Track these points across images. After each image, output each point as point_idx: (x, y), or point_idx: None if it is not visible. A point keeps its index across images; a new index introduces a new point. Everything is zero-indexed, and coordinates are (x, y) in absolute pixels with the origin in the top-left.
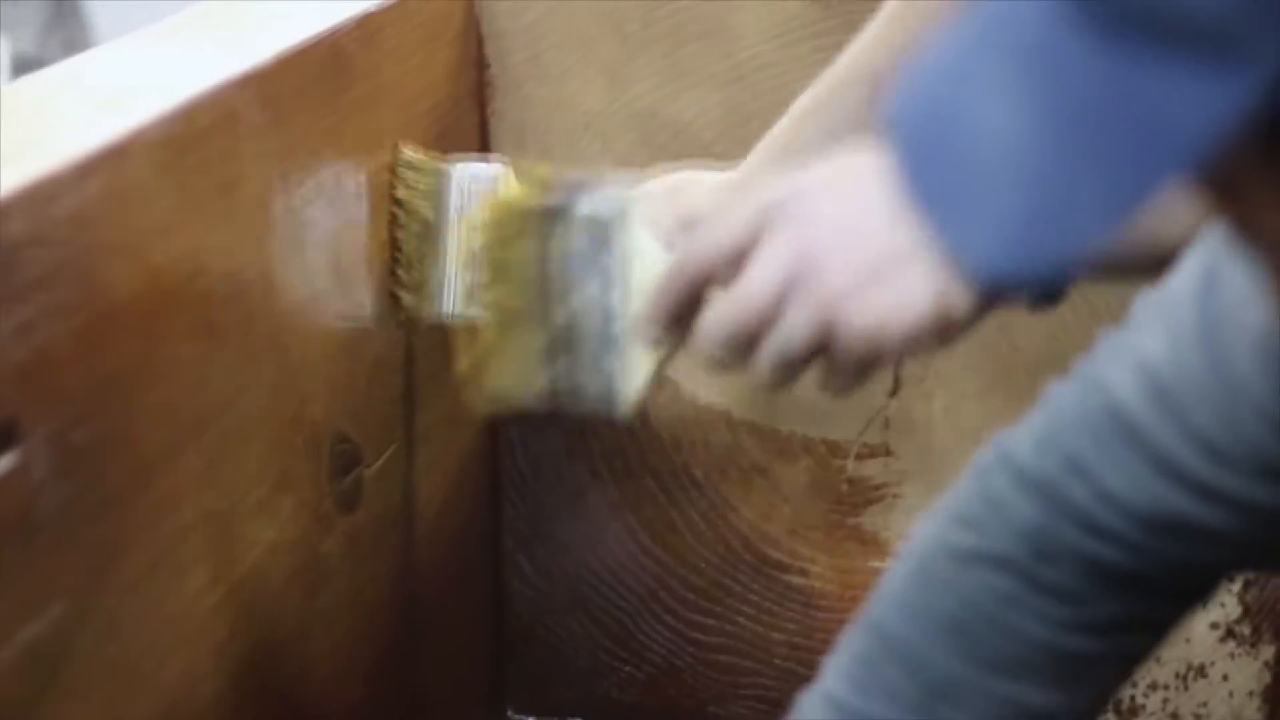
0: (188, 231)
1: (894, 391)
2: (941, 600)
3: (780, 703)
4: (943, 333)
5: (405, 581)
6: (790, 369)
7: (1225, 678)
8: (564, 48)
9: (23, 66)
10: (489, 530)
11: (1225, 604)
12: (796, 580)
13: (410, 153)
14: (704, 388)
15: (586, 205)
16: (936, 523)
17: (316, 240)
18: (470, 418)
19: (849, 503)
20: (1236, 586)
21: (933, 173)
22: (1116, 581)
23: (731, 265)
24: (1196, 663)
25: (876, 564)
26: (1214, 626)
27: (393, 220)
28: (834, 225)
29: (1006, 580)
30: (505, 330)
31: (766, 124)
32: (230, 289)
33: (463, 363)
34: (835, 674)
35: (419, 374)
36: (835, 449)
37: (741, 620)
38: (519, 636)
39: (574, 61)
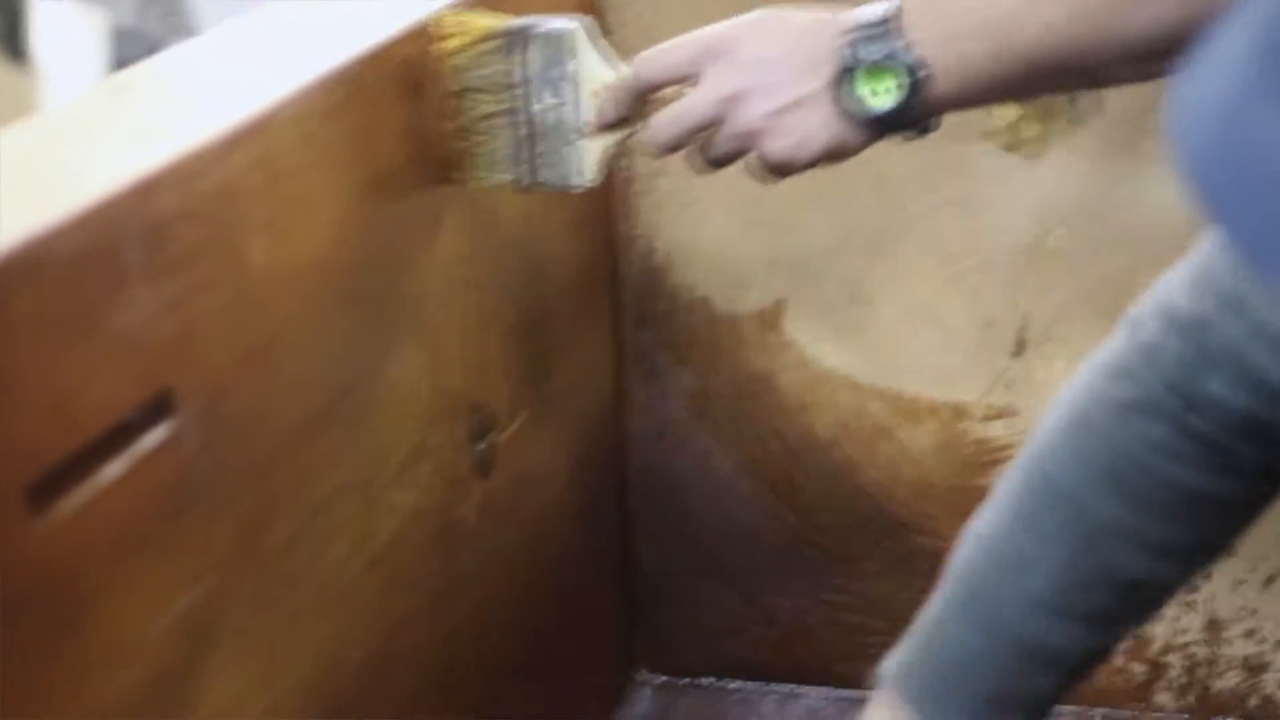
0: (329, 203)
1: (1017, 353)
2: (1099, 449)
3: None
4: (836, 159)
5: (539, 544)
6: (714, 168)
7: None
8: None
9: (121, 39)
10: (617, 493)
11: None
12: (923, 541)
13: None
14: (829, 351)
15: (543, 28)
16: (1091, 374)
17: (450, 209)
18: (597, 383)
19: (974, 463)
20: None
21: (1246, 217)
22: (1261, 429)
23: (672, 84)
24: None
25: None
26: None
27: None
28: (757, 71)
29: (1159, 428)
30: (486, 131)
31: None
32: (369, 258)
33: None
34: (994, 517)
35: (548, 340)
36: (960, 411)
37: (870, 580)
38: (648, 598)
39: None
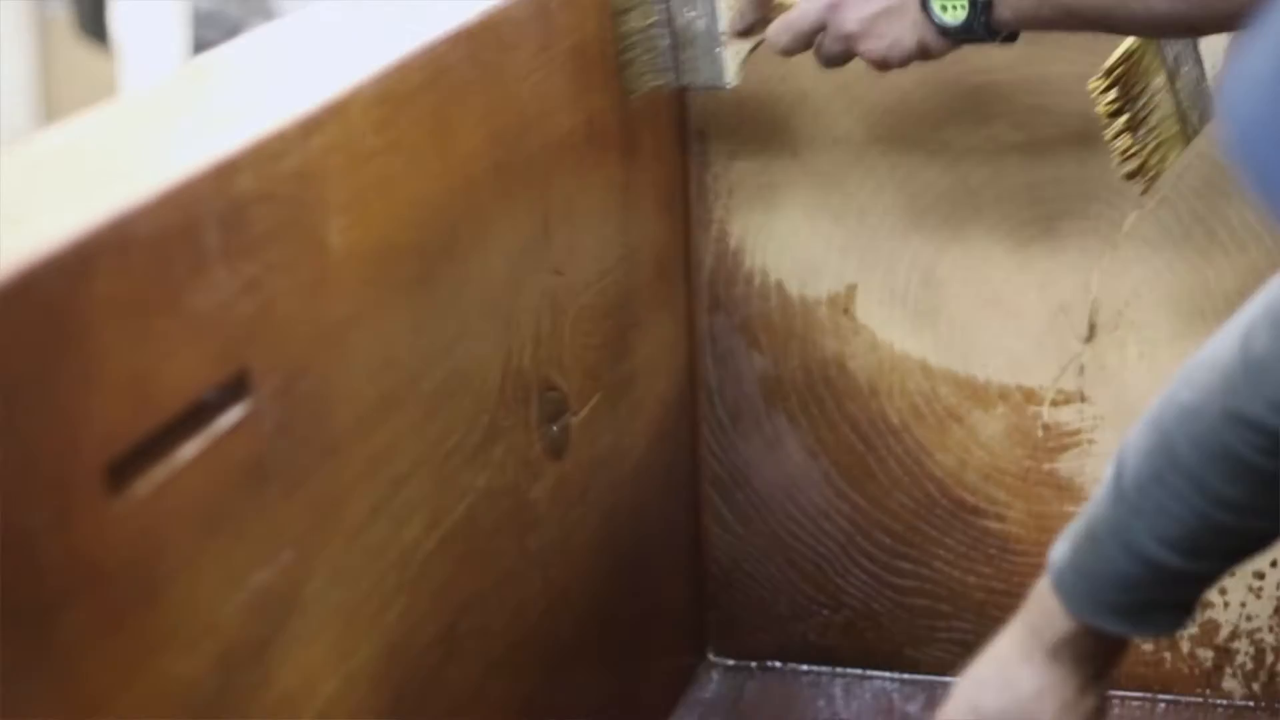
0: (403, 185)
1: (1089, 338)
2: (1215, 440)
3: (976, 646)
4: (924, 58)
5: (610, 526)
6: (829, 66)
7: None
8: None
9: (202, 21)
10: (689, 477)
11: None
12: (992, 525)
13: None
14: (901, 336)
15: None
16: (1205, 373)
17: (523, 192)
18: (670, 367)
19: (1044, 449)
20: None
21: None
22: None
23: None
24: None
25: (1071, 509)
26: None
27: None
28: None
29: (1261, 439)
30: (638, 44)
31: None
32: (445, 241)
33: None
34: (1137, 462)
35: (620, 324)
36: (1030, 395)
37: (938, 565)
38: (718, 581)
39: None
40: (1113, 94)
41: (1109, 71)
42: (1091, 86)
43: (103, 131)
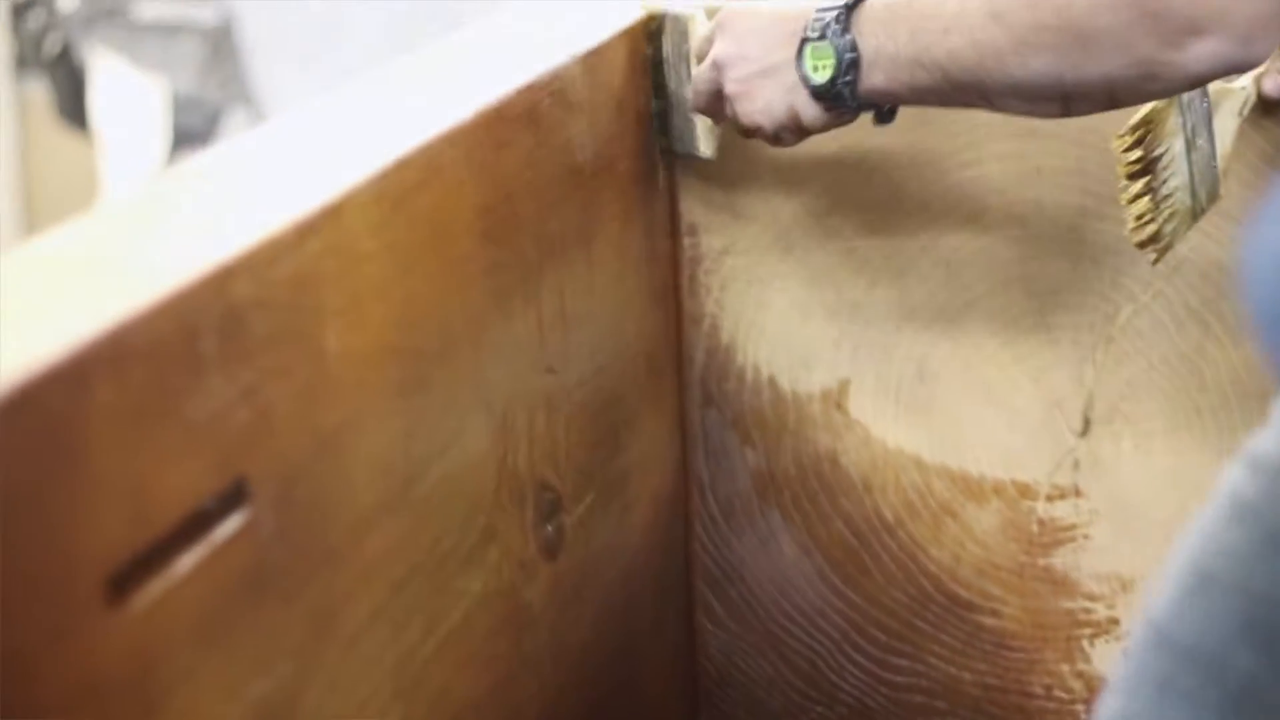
0: (399, 287)
1: (1083, 432)
2: (1234, 603)
3: None
4: (797, 130)
5: (604, 626)
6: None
7: None
8: None
9: (181, 106)
10: (681, 574)
11: None
12: (988, 621)
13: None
14: (894, 431)
15: (671, 13)
16: (1209, 525)
17: (517, 290)
18: (663, 463)
19: (1039, 544)
20: None
21: None
22: None
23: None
24: None
25: (1067, 604)
26: None
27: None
28: (743, 41)
29: None
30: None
31: None
32: (439, 343)
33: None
34: (1127, 700)
35: (613, 421)
36: (1025, 490)
37: (933, 660)
38: (712, 679)
39: None
40: (1136, 153)
41: (1134, 129)
42: (1115, 144)
43: (97, 236)
